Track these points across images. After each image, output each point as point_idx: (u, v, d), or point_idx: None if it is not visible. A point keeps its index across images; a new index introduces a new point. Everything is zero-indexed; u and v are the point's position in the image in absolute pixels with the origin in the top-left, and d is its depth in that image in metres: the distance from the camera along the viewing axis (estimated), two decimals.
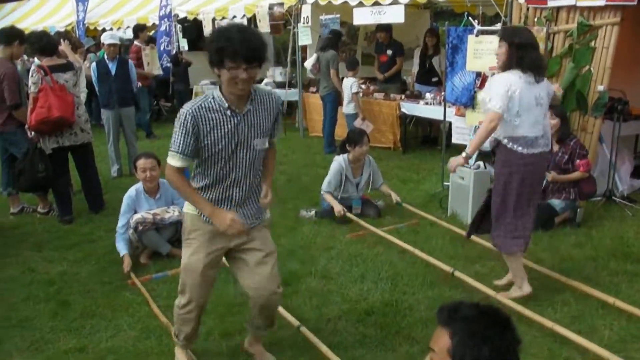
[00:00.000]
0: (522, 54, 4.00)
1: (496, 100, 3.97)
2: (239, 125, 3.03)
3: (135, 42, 11.14)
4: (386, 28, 9.83)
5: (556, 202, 5.71)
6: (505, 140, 4.09)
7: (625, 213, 6.01)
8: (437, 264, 4.77)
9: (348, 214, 5.98)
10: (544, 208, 5.73)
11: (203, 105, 2.98)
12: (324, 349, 3.55)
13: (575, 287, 4.30)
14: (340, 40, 9.95)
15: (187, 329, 3.44)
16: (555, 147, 5.69)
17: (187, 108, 2.97)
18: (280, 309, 3.88)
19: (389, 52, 10.02)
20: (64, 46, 6.98)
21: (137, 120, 10.86)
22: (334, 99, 9.23)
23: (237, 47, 2.81)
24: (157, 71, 11.20)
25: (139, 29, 11.23)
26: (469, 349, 1.79)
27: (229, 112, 3.00)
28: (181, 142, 2.97)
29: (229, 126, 3.01)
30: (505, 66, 4.09)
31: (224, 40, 2.83)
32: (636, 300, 4.17)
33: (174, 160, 3.03)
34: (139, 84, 10.64)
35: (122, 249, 5.02)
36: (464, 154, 4.23)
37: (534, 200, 4.28)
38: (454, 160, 4.29)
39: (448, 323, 1.85)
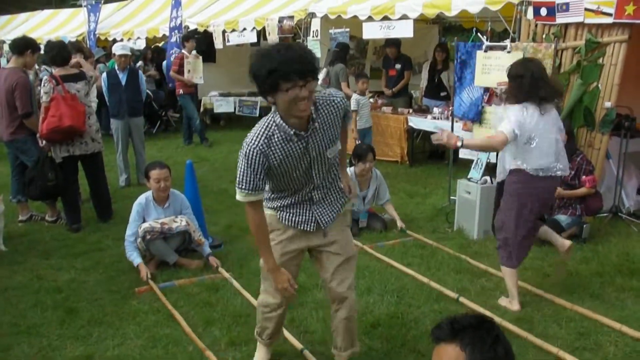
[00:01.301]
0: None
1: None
2: (308, 146, 2.93)
3: (182, 51, 11.22)
4: (395, 43, 9.89)
5: (562, 218, 5.72)
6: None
7: (631, 229, 6.01)
8: (441, 289, 4.78)
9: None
10: (550, 224, 5.74)
11: (268, 137, 2.87)
12: None
13: (581, 312, 4.28)
14: (348, 53, 9.99)
15: (270, 327, 3.48)
16: None
17: (252, 144, 2.85)
18: (286, 333, 3.90)
19: (398, 66, 10.07)
20: (79, 59, 7.04)
21: (190, 127, 11.28)
22: None
23: (288, 66, 2.65)
24: (199, 80, 11.18)
25: (185, 39, 11.31)
26: (485, 353, 1.78)
27: (295, 138, 2.88)
28: (251, 179, 2.87)
29: (299, 151, 2.92)
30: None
31: (269, 63, 2.68)
32: None
33: (247, 197, 2.92)
34: (181, 91, 11.05)
35: (135, 258, 5.06)
36: (460, 138, 4.18)
37: (537, 223, 4.38)
38: (449, 136, 4.16)
39: (454, 336, 1.82)
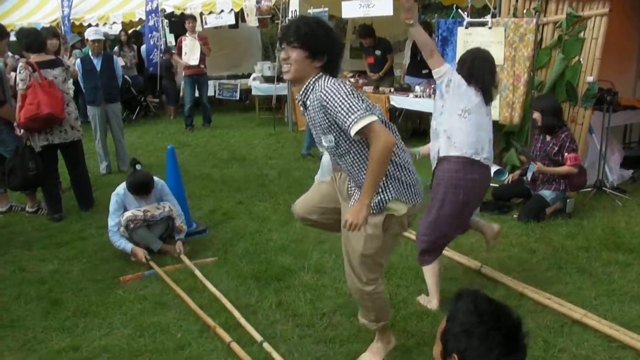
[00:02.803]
0: None
1: None
2: (309, 119, 3.12)
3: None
4: (369, 33, 9.80)
5: (547, 193, 5.74)
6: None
7: (615, 203, 6.04)
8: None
9: None
10: (535, 199, 5.77)
11: None
12: None
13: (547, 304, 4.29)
14: None
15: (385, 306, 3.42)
16: (547, 138, 5.73)
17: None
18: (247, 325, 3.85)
19: (377, 52, 9.98)
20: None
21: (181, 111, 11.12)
22: None
23: (284, 28, 3.01)
24: (194, 62, 10.93)
25: (183, 20, 11.12)
26: (452, 336, 1.85)
27: (301, 104, 3.11)
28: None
29: (306, 116, 3.14)
30: None
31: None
32: (629, 291, 4.20)
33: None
34: (184, 74, 10.98)
35: (126, 245, 5.01)
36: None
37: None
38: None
39: (450, 307, 1.92)
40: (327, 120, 2.94)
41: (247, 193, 6.97)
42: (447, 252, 4.67)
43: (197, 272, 4.67)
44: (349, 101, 2.83)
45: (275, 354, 3.50)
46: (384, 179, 3.02)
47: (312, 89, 2.98)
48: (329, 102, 2.86)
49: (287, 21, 9.89)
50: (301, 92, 3.02)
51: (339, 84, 2.90)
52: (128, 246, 5.00)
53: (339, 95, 2.85)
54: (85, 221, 6.13)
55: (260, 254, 5.08)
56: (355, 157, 3.03)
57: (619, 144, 7.03)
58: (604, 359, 3.41)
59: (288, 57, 2.95)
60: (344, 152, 3.03)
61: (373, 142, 2.83)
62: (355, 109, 2.81)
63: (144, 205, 5.15)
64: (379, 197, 3.06)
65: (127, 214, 5.05)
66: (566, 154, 5.63)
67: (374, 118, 2.82)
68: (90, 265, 5.02)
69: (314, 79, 2.97)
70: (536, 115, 5.74)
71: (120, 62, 9.61)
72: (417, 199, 3.19)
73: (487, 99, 3.98)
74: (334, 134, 2.97)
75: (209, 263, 4.94)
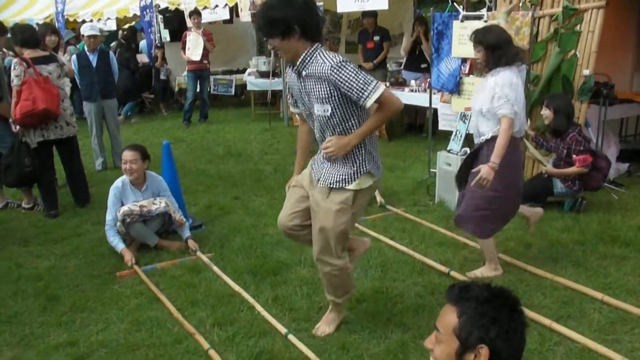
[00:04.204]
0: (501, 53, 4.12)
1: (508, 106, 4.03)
2: (301, 87, 3.29)
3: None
4: (373, 14, 9.78)
5: (559, 186, 5.68)
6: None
7: (611, 197, 6.05)
8: (427, 261, 4.78)
9: None
10: (543, 183, 5.73)
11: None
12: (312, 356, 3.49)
13: (563, 283, 4.29)
14: (325, 27, 9.87)
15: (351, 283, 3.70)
16: (557, 139, 5.67)
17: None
18: (270, 317, 3.89)
19: (376, 38, 9.95)
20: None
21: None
22: None
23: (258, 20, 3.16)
24: (196, 57, 10.92)
25: (189, 15, 11.10)
26: (476, 329, 1.79)
27: (295, 72, 3.29)
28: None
29: (296, 84, 3.32)
30: (488, 68, 4.21)
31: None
32: (624, 284, 4.20)
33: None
34: (187, 69, 11.02)
35: (118, 244, 4.99)
36: (493, 164, 4.01)
37: None
38: (488, 173, 3.99)
39: (457, 301, 1.86)
40: (328, 92, 3.16)
41: (243, 188, 6.97)
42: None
43: (215, 268, 4.69)
44: (361, 76, 3.11)
45: (301, 345, 3.53)
46: (362, 152, 3.31)
47: (310, 61, 3.18)
48: (341, 77, 3.10)
49: None
50: (298, 63, 3.20)
51: (344, 60, 3.14)
52: (119, 246, 4.98)
53: (349, 71, 3.10)
54: (81, 217, 6.12)
55: (256, 248, 5.08)
56: (344, 126, 3.26)
57: (615, 138, 7.03)
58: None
59: (274, 47, 3.23)
60: (337, 121, 3.24)
61: (386, 106, 3.20)
62: (368, 82, 3.10)
63: (141, 200, 5.15)
64: (355, 169, 3.32)
65: (124, 208, 5.04)
66: (574, 156, 5.51)
67: (384, 87, 3.17)
68: (87, 261, 5.02)
69: (310, 51, 3.18)
70: (547, 112, 5.58)
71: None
72: (380, 173, 3.47)
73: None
74: (332, 104, 3.19)
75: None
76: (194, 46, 10.88)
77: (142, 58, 12.41)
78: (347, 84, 3.10)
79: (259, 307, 4.03)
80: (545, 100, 5.72)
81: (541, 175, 5.84)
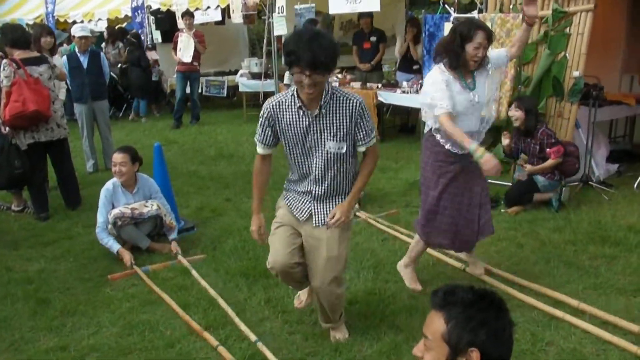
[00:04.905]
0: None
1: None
2: (310, 126, 3.20)
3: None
4: (369, 14, 9.77)
5: (540, 179, 5.78)
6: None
7: (601, 198, 6.08)
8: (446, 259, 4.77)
9: None
10: (526, 182, 5.80)
11: (282, 101, 3.23)
12: None
13: (542, 292, 4.21)
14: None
15: (291, 285, 3.75)
16: (528, 139, 5.75)
17: (267, 103, 3.28)
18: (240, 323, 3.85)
19: (373, 38, 9.96)
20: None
21: (180, 108, 11.26)
22: None
23: (301, 54, 2.91)
24: (187, 58, 10.92)
25: (182, 16, 11.09)
26: (465, 333, 1.78)
27: (300, 112, 3.18)
28: (260, 131, 3.35)
29: (301, 125, 3.21)
30: None
31: (293, 45, 2.96)
32: (615, 283, 4.23)
33: (257, 146, 3.42)
34: (176, 70, 11.03)
35: (113, 244, 4.97)
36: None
37: None
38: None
39: (443, 307, 1.84)
40: (347, 129, 3.20)
41: (235, 190, 6.96)
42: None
43: (194, 272, 4.65)
44: (371, 120, 3.29)
45: (266, 351, 3.49)
46: (351, 182, 3.42)
47: (331, 97, 3.17)
48: (364, 116, 3.21)
49: (273, 17, 9.87)
50: (323, 101, 3.14)
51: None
52: (115, 247, 4.96)
53: (368, 114, 3.26)
54: (72, 220, 6.09)
55: (248, 250, 5.07)
56: (347, 166, 3.32)
57: (605, 139, 7.08)
58: (591, 352, 3.43)
59: (316, 83, 3.02)
60: (343, 159, 3.29)
61: (372, 157, 3.36)
62: (373, 126, 3.31)
63: (132, 202, 5.13)
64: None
65: (115, 211, 5.02)
66: (547, 149, 5.66)
67: None
68: (78, 264, 4.99)
69: (328, 87, 3.16)
70: (519, 114, 5.69)
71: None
72: None
73: None
74: (347, 143, 3.24)
75: (197, 260, 4.93)
76: (185, 47, 10.86)
77: (152, 55, 12.36)
78: (365, 122, 3.22)
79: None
80: (514, 102, 5.81)
81: (520, 180, 5.90)
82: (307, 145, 3.25)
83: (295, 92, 3.17)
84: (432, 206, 4.06)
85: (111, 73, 11.09)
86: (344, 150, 3.24)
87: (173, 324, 3.91)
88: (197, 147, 9.42)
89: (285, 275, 3.49)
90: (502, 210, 5.79)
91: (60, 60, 7.44)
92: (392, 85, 9.27)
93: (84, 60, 7.86)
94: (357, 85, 9.52)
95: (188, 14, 11.00)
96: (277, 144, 3.39)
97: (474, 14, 6.32)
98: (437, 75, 3.86)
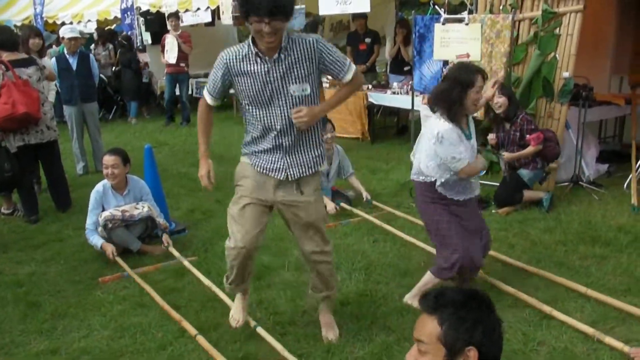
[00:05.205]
0: None
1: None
2: (270, 72, 3.14)
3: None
4: (363, 15, 9.77)
5: (524, 173, 5.82)
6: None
7: (592, 198, 6.11)
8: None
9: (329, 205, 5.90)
10: (512, 180, 5.82)
11: (237, 51, 3.17)
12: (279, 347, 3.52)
13: (546, 276, 4.35)
14: (317, 30, 9.85)
15: (232, 274, 3.58)
16: (507, 126, 5.80)
17: (223, 53, 3.22)
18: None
19: (368, 40, 9.96)
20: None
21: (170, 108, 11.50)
22: None
23: (260, 0, 2.88)
24: (172, 60, 11.01)
25: (167, 17, 11.19)
26: (461, 333, 1.79)
27: (258, 59, 3.13)
28: (212, 80, 3.31)
29: (260, 72, 3.14)
30: None
31: None
32: (605, 283, 4.25)
33: (205, 94, 3.42)
34: (165, 71, 11.21)
35: (97, 240, 4.96)
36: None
37: None
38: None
39: (435, 309, 1.84)
40: (308, 70, 3.16)
41: (226, 192, 6.87)
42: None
43: (186, 263, 4.70)
44: (337, 50, 3.27)
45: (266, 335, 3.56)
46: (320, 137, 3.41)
47: (289, 41, 3.12)
48: (326, 48, 3.18)
49: None
50: (283, 45, 3.10)
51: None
52: (99, 242, 4.95)
53: (331, 47, 3.24)
54: (62, 222, 6.06)
55: None
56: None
57: (594, 139, 7.12)
58: (582, 351, 3.45)
59: (276, 30, 3.00)
60: (308, 103, 3.23)
61: (358, 80, 3.36)
62: (344, 57, 3.28)
63: (123, 204, 5.11)
64: (319, 152, 3.40)
65: (105, 213, 5.00)
66: (527, 136, 5.71)
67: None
68: (68, 267, 4.96)
69: (286, 32, 3.12)
70: (502, 100, 5.72)
71: None
72: None
73: None
74: (310, 83, 3.20)
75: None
76: (171, 49, 10.89)
77: (144, 57, 12.36)
78: (331, 55, 3.20)
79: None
80: (497, 89, 5.83)
81: (504, 178, 5.92)
82: (268, 93, 3.18)
83: (250, 42, 3.13)
84: (447, 231, 3.96)
85: (101, 75, 11.03)
86: (308, 92, 3.20)
87: (165, 327, 3.89)
88: (187, 149, 9.39)
89: (247, 259, 3.45)
90: (493, 211, 5.81)
91: (49, 62, 7.39)
92: (383, 86, 9.28)
93: (73, 62, 7.82)
94: None
95: (174, 16, 11.04)
96: (226, 96, 3.32)
97: (464, 14, 6.33)
98: (450, 133, 3.76)
